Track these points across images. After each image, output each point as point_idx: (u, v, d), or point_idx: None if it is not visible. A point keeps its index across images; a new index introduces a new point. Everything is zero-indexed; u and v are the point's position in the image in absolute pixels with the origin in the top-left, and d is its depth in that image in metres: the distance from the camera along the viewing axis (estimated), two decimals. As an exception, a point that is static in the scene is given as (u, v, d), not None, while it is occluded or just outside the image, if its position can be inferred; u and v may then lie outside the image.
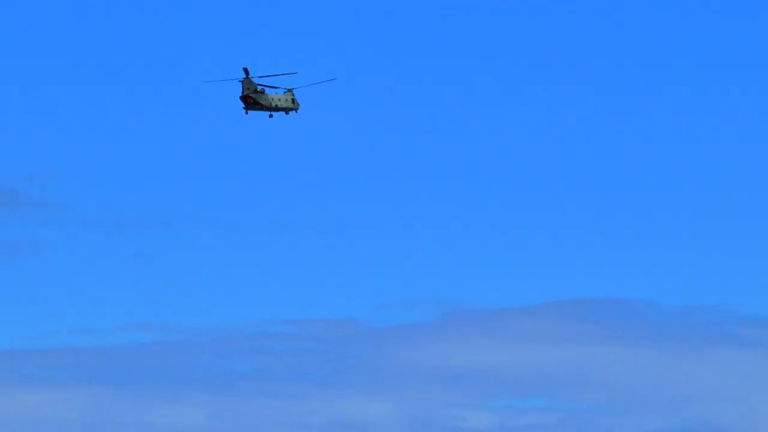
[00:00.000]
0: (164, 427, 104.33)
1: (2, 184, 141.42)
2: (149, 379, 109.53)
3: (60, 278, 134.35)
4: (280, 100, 48.92)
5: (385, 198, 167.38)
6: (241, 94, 49.65)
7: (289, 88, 49.37)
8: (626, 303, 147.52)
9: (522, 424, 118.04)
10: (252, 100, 48.60)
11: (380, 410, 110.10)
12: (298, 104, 49.64)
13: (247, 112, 50.03)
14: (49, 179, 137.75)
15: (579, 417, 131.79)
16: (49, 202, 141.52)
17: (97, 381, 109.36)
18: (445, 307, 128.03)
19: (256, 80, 48.81)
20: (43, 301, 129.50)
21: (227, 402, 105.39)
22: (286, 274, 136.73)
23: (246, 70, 48.14)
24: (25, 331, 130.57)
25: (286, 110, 48.98)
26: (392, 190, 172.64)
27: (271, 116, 48.88)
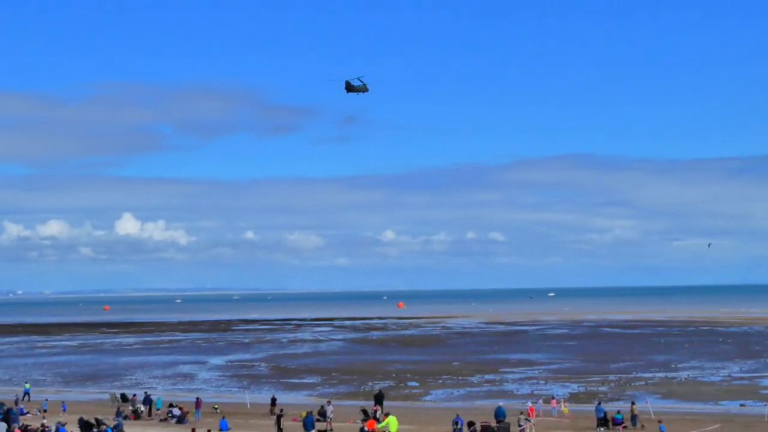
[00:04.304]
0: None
1: None
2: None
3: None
4: (360, 87, 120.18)
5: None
6: (345, 85, 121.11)
7: (365, 83, 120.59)
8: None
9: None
10: (348, 87, 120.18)
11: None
12: (368, 89, 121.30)
13: (347, 92, 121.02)
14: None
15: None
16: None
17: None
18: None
19: (351, 81, 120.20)
20: None
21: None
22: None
23: (347, 81, 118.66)
24: None
25: (364, 91, 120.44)
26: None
27: (357, 93, 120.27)
